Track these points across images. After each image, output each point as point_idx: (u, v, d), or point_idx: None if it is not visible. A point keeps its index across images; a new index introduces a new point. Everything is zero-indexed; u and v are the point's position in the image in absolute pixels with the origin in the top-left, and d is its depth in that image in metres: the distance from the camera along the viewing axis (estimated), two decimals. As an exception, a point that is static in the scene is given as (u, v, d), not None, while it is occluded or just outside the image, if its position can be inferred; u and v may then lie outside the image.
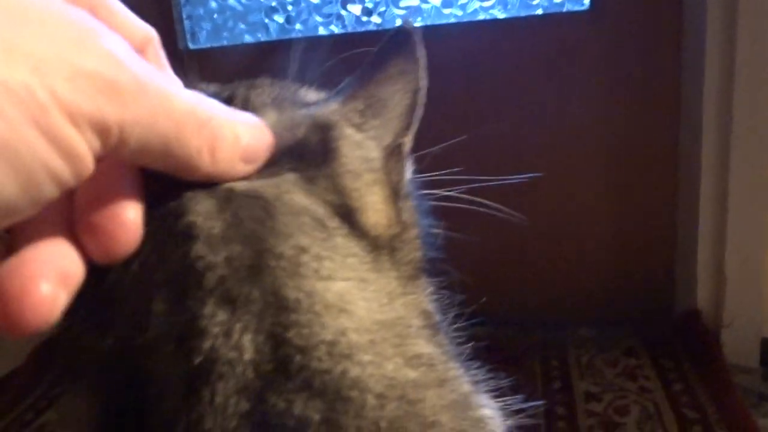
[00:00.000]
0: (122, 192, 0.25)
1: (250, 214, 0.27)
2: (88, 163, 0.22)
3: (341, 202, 0.30)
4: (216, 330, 0.26)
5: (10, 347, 1.60)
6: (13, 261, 0.23)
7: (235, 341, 0.26)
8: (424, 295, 0.33)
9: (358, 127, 0.33)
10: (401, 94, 0.34)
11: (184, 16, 1.71)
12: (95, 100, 0.21)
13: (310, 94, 0.36)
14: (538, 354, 1.50)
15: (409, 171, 0.36)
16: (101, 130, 0.21)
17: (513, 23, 1.53)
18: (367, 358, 0.27)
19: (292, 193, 0.29)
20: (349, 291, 0.28)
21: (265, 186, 0.29)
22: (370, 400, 0.26)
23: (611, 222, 1.58)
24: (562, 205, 1.58)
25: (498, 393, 0.33)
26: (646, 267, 1.59)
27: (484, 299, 0.44)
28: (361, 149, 0.32)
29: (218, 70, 1.71)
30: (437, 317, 0.34)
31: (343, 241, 0.29)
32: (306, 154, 0.30)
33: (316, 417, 0.25)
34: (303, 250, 0.28)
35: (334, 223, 0.29)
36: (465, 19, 1.56)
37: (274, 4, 1.67)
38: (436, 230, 0.38)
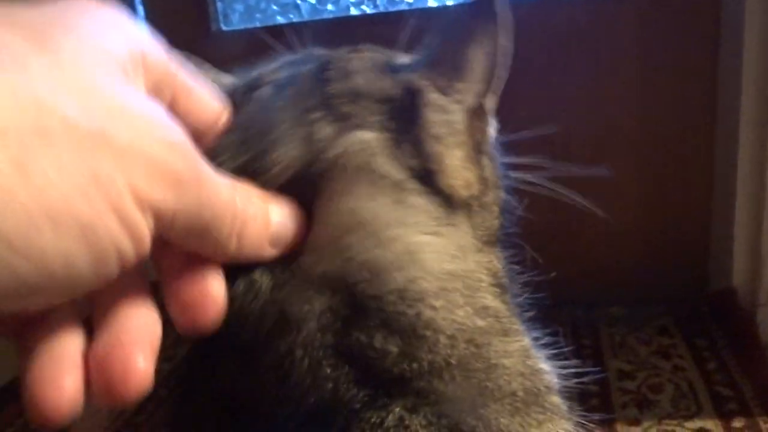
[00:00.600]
0: (205, 266, 0.27)
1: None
2: (148, 244, 0.24)
3: (422, 166, 0.32)
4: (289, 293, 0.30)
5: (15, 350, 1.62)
6: (108, 336, 0.25)
7: (306, 297, 0.30)
8: (496, 259, 0.35)
9: (443, 91, 0.34)
10: (484, 55, 0.35)
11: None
12: (161, 189, 0.24)
13: (404, 58, 0.38)
14: (569, 333, 1.51)
15: (493, 130, 0.38)
16: (159, 216, 0.24)
17: (548, 4, 1.52)
18: (438, 303, 0.30)
19: (377, 156, 0.31)
20: (418, 244, 0.31)
21: (353, 143, 0.31)
22: (443, 339, 0.30)
23: (645, 199, 1.57)
24: (594, 182, 1.57)
25: (555, 356, 0.36)
26: (680, 244, 1.58)
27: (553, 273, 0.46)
28: (445, 113, 0.34)
29: (251, 51, 1.72)
30: (506, 281, 0.36)
31: (417, 201, 0.31)
32: (396, 116, 0.32)
33: (395, 350, 0.29)
34: (376, 212, 0.31)
35: (412, 185, 0.32)
36: (497, -2, 1.54)
37: (305, -16, 1.67)
38: (514, 205, 0.40)
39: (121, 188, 0.22)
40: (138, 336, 0.25)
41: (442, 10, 1.58)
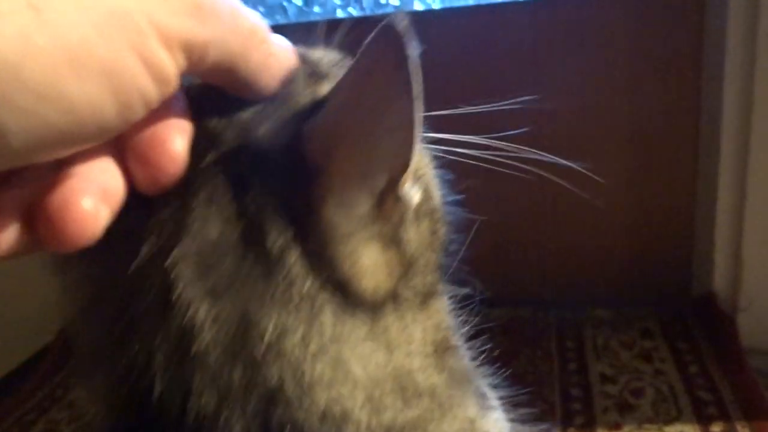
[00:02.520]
0: (171, 122, 0.26)
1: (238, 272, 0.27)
2: (174, 83, 0.23)
3: (332, 274, 0.28)
4: (206, 405, 0.27)
5: (9, 347, 1.60)
6: (57, 176, 0.23)
7: (223, 419, 0.27)
8: (438, 311, 0.33)
9: (341, 183, 0.28)
10: (393, 122, 0.26)
11: (203, -1, 1.71)
12: (186, 21, 0.22)
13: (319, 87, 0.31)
14: (554, 334, 1.52)
15: (427, 178, 0.34)
16: (189, 50, 0.23)
17: (534, 5, 1.52)
18: (363, 415, 0.28)
19: (286, 260, 0.27)
20: (340, 359, 0.28)
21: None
22: None
23: (629, 202, 1.58)
24: (579, 186, 1.58)
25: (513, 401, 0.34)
26: (663, 248, 1.59)
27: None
28: (346, 208, 0.28)
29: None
30: (451, 332, 0.33)
31: (333, 316, 0.28)
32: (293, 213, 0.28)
33: None
34: (287, 330, 0.27)
35: (324, 296, 0.28)
36: (484, 1, 1.55)
37: (292, -14, 1.67)
38: (453, 216, 0.36)
39: (142, 25, 0.21)
40: (92, 181, 0.24)
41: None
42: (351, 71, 0.27)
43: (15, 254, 0.23)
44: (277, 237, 0.27)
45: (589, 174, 1.50)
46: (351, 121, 0.27)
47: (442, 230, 0.34)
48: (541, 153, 0.41)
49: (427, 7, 1.59)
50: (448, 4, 1.57)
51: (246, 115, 0.28)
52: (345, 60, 0.36)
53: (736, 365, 1.30)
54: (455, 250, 0.37)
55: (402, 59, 0.24)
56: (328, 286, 0.28)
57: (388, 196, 0.29)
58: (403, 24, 0.25)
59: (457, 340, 0.35)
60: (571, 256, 1.64)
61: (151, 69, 0.22)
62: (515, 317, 1.56)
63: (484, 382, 0.36)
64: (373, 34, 0.26)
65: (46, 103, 0.20)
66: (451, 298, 0.37)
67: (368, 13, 1.63)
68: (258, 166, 0.28)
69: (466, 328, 0.38)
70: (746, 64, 1.30)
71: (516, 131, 0.41)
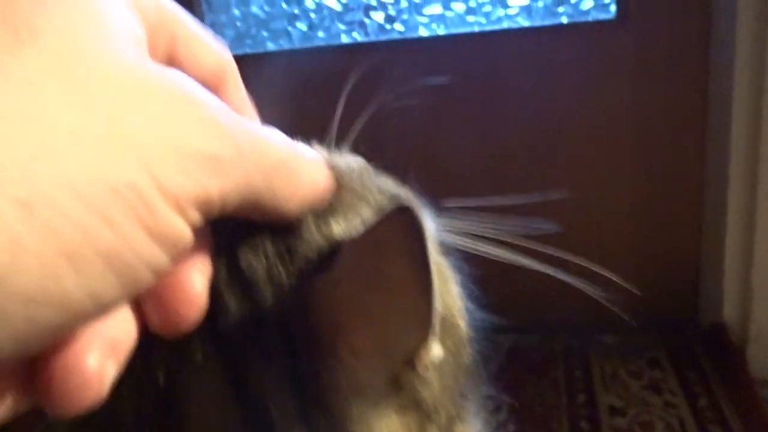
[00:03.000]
0: (189, 260, 0.24)
1: None
2: (188, 243, 0.21)
3: None
4: None
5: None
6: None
7: None
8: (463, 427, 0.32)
9: (351, 360, 0.26)
10: (408, 303, 0.25)
11: (207, 24, 1.71)
12: (201, 178, 0.20)
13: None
14: (561, 363, 1.49)
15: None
16: (205, 205, 0.20)
17: (537, 32, 1.52)
18: None
19: None
20: None
21: None
22: None
23: (637, 230, 1.57)
24: (587, 213, 1.56)
25: None
26: (670, 276, 1.57)
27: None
28: (357, 387, 0.27)
29: (241, 77, 1.71)
30: None
31: None
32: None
33: None
34: None
35: None
36: (489, 28, 1.55)
37: (296, 11, 1.67)
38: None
39: (149, 195, 0.19)
40: (99, 334, 0.21)
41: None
42: (362, 245, 0.25)
43: (10, 416, 0.20)
44: (282, 419, 0.26)
45: (595, 201, 1.50)
46: (362, 298, 0.25)
47: (468, 356, 0.32)
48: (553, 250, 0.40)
49: (432, 33, 1.59)
50: (453, 31, 1.57)
51: (256, 262, 0.27)
52: (366, 173, 0.34)
53: (747, 397, 1.28)
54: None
55: (420, 242, 0.23)
56: None
57: (405, 370, 0.27)
58: (418, 207, 0.24)
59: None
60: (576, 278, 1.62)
61: (161, 239, 0.19)
62: (521, 344, 1.54)
63: None
64: (387, 212, 0.24)
65: (38, 305, 0.17)
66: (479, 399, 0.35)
67: (372, 38, 1.63)
68: (261, 334, 0.26)
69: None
70: (754, 90, 1.29)
71: (543, 228, 0.40)
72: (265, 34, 1.70)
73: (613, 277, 0.44)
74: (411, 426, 0.28)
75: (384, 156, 0.40)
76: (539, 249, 0.39)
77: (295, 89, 1.67)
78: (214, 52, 0.26)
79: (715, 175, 1.44)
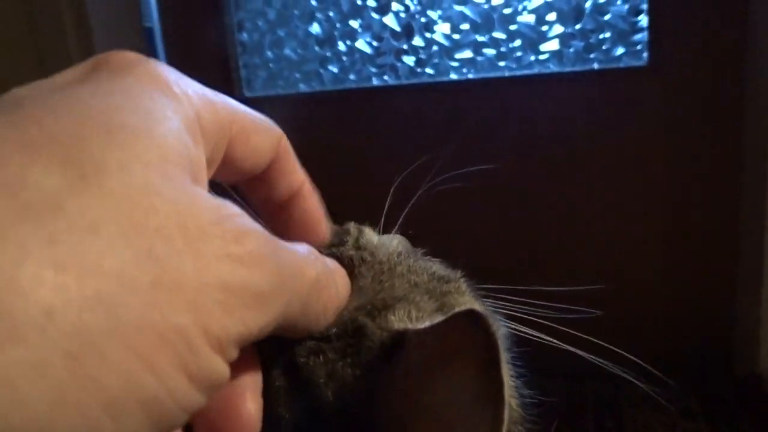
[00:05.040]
0: (240, 381, 0.24)
1: None
2: (225, 380, 0.21)
3: None
4: None
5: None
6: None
7: None
8: None
9: None
10: (477, 411, 0.24)
11: (241, 65, 1.75)
12: (243, 317, 0.20)
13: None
14: (591, 410, 1.46)
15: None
16: (244, 342, 0.21)
17: (568, 77, 1.53)
18: None
19: None
20: None
21: None
22: None
23: (671, 278, 1.55)
24: (618, 258, 1.55)
25: None
26: (705, 325, 1.54)
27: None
28: None
29: (274, 118, 1.74)
30: None
31: None
32: None
33: None
34: None
35: None
36: (519, 73, 1.56)
37: (328, 54, 1.69)
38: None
39: (194, 339, 0.19)
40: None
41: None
42: (429, 342, 0.25)
43: None
44: None
45: (628, 246, 1.48)
46: (427, 398, 0.25)
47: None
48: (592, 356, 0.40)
49: (462, 77, 1.60)
50: (482, 75, 1.58)
51: (315, 363, 0.28)
52: (413, 256, 0.35)
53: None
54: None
55: (493, 353, 0.23)
56: None
57: None
58: (488, 316, 0.24)
59: None
60: (608, 328, 1.59)
61: (200, 382, 0.19)
62: (551, 389, 1.51)
63: None
64: (455, 313, 0.25)
65: None
66: None
67: (403, 81, 1.65)
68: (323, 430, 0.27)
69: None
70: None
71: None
72: (297, 75, 1.73)
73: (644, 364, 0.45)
74: None
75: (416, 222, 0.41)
76: (577, 333, 0.40)
77: (328, 130, 1.69)
78: (269, 137, 0.27)
79: (751, 224, 1.43)
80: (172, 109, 0.21)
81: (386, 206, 0.41)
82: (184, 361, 0.18)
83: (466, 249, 0.38)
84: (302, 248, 0.25)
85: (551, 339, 0.37)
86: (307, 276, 0.24)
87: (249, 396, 0.24)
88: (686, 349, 1.55)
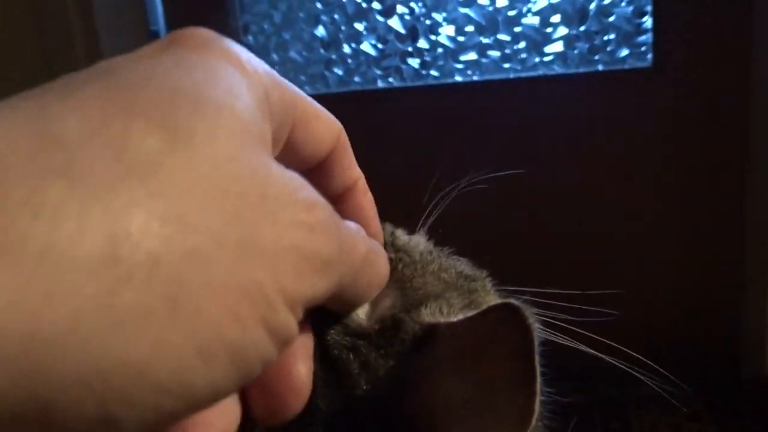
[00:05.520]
0: (294, 347, 0.25)
1: None
2: (295, 337, 0.22)
3: None
4: None
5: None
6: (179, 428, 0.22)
7: None
8: None
9: None
10: (510, 400, 0.26)
11: (246, 68, 1.75)
12: (312, 281, 0.22)
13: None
14: (598, 412, 1.45)
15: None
16: (310, 304, 0.22)
17: (573, 79, 1.53)
18: None
19: None
20: None
21: None
22: None
23: (678, 281, 1.54)
24: (625, 260, 1.54)
25: None
26: (712, 328, 1.54)
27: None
28: None
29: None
30: None
31: None
32: None
33: None
34: None
35: None
36: (524, 75, 1.56)
37: (334, 57, 1.70)
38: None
39: (272, 295, 0.20)
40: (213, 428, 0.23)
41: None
42: (463, 334, 0.27)
43: None
44: None
45: (634, 249, 1.48)
46: (460, 387, 0.26)
47: (540, 430, 0.34)
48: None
49: (467, 79, 1.61)
50: (488, 77, 1.59)
51: (346, 357, 0.29)
52: (441, 257, 0.37)
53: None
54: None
55: (528, 342, 0.24)
56: None
57: None
58: (526, 311, 0.25)
59: None
60: (615, 329, 1.59)
61: (276, 337, 0.21)
62: (557, 390, 1.50)
63: None
64: (492, 305, 0.26)
65: (167, 395, 0.18)
66: None
67: (408, 83, 1.65)
68: (355, 419, 0.28)
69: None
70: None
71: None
72: (302, 78, 1.73)
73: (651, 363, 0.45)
74: None
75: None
76: (594, 335, 0.41)
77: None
78: (329, 126, 0.29)
79: (757, 226, 1.42)
80: (246, 86, 0.23)
81: (424, 210, 0.42)
82: (264, 316, 0.20)
83: (475, 252, 0.39)
84: (354, 225, 0.27)
85: (567, 338, 0.39)
86: (359, 250, 0.25)
87: (300, 359, 0.25)
88: (693, 351, 1.54)
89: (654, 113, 1.48)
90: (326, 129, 0.28)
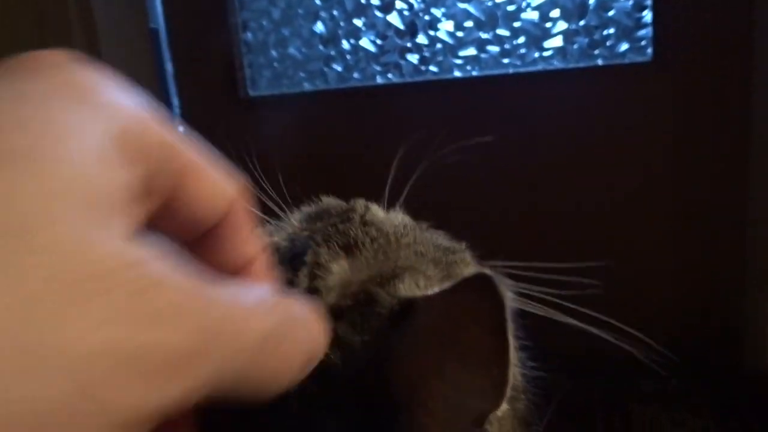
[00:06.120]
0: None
1: None
2: None
3: None
4: None
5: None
6: None
7: None
8: None
9: (425, 422, 0.27)
10: (485, 370, 0.26)
11: (246, 64, 1.75)
12: (153, 386, 0.17)
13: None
14: (599, 407, 1.45)
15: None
16: (165, 412, 0.17)
17: (573, 74, 1.52)
18: None
19: None
20: None
21: None
22: None
23: (678, 274, 1.54)
24: (625, 254, 1.54)
25: None
26: (713, 323, 1.53)
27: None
28: None
29: (278, 117, 1.74)
30: None
31: None
32: None
33: None
34: None
35: None
36: (524, 70, 1.56)
37: (333, 53, 1.70)
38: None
39: (83, 418, 0.15)
40: None
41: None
42: (438, 306, 0.26)
43: None
44: None
45: (633, 243, 1.47)
46: (437, 359, 0.26)
47: (522, 404, 0.34)
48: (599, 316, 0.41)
49: (466, 75, 1.60)
50: (487, 72, 1.58)
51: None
52: (418, 229, 0.36)
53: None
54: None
55: (500, 312, 0.24)
56: None
57: (475, 428, 0.28)
58: (499, 281, 0.25)
59: None
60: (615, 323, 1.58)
61: None
62: (557, 385, 1.50)
63: None
64: (466, 276, 0.25)
65: None
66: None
67: (407, 79, 1.65)
68: (333, 393, 0.27)
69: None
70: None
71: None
72: (301, 74, 1.73)
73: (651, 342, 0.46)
74: None
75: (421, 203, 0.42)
76: (578, 308, 0.41)
77: (332, 128, 1.69)
78: (220, 190, 0.24)
79: (759, 220, 1.42)
80: (90, 124, 0.18)
81: (389, 182, 0.42)
82: None
83: (472, 233, 0.39)
84: (253, 295, 0.21)
85: (556, 312, 0.40)
86: (252, 330, 0.20)
87: None
88: (695, 346, 1.54)
89: (654, 107, 1.48)
90: (215, 192, 0.23)
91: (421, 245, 0.34)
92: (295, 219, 0.37)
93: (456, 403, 0.26)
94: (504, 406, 0.27)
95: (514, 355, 0.25)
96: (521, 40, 1.54)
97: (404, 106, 1.66)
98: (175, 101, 1.75)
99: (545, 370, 0.37)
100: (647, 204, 1.52)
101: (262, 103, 1.72)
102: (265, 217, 0.37)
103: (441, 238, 0.37)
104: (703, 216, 1.49)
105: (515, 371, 0.33)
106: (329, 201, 0.40)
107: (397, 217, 0.38)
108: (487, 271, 0.25)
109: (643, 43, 1.48)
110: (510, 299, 0.24)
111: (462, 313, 0.25)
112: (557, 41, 1.52)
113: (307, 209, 0.39)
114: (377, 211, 0.38)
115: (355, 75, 1.69)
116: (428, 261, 0.33)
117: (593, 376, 1.54)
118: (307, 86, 1.73)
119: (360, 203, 0.38)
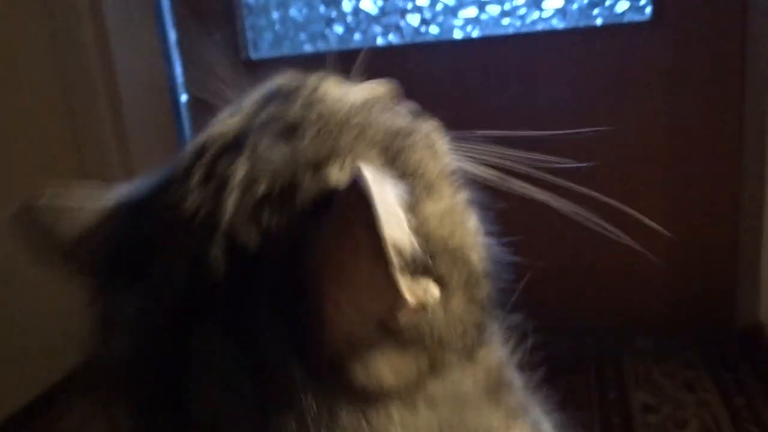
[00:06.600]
0: None
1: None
2: None
3: (352, 386, 0.29)
4: None
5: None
6: None
7: None
8: (485, 360, 0.32)
9: (336, 311, 0.27)
10: (370, 271, 0.26)
11: (247, 26, 1.76)
12: None
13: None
14: (592, 363, 1.49)
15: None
16: None
17: (572, 34, 1.53)
18: None
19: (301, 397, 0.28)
20: None
21: None
22: None
23: (671, 229, 1.56)
24: (621, 215, 1.56)
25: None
26: (706, 276, 1.56)
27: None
28: (347, 332, 0.28)
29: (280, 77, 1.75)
30: (503, 370, 0.33)
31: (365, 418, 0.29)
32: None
33: None
34: None
35: (350, 409, 0.29)
36: (524, 30, 1.56)
37: (334, 15, 1.70)
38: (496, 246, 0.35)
39: None
40: None
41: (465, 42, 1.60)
42: (341, 207, 0.27)
43: None
44: (289, 372, 0.28)
45: (628, 200, 1.47)
46: (339, 258, 0.26)
47: (483, 289, 0.33)
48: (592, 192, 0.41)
49: (467, 36, 1.61)
50: (487, 33, 1.59)
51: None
52: (377, 107, 0.34)
53: (784, 398, 1.27)
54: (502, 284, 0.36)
55: (369, 212, 0.24)
56: (352, 399, 0.28)
57: (389, 323, 0.28)
58: (367, 185, 0.25)
59: (511, 373, 0.35)
60: (609, 283, 1.62)
61: None
62: (552, 344, 1.54)
63: (538, 411, 0.37)
64: (351, 178, 0.26)
65: None
66: (504, 328, 0.37)
67: (408, 41, 1.65)
68: (254, 285, 0.28)
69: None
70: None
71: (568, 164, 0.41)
72: (302, 36, 1.74)
73: (646, 220, 0.45)
74: (418, 358, 0.29)
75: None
76: (566, 185, 0.40)
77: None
78: None
79: (752, 175, 1.44)
80: None
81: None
82: None
83: None
84: None
85: (542, 193, 0.40)
86: None
87: None
88: (687, 299, 1.57)
89: (653, 66, 1.49)
90: None
91: (373, 128, 0.32)
92: (246, 102, 0.35)
93: (359, 303, 0.27)
94: (437, 292, 0.29)
95: (394, 258, 0.24)
96: (521, 0, 1.55)
97: (405, 67, 1.67)
98: (178, 66, 1.76)
99: (516, 254, 0.37)
100: (643, 163, 1.54)
101: (264, 65, 1.73)
102: None
103: (401, 118, 0.34)
104: (697, 173, 1.51)
105: (472, 256, 0.32)
106: (283, 78, 0.38)
107: (358, 94, 0.35)
108: (361, 173, 0.25)
109: (642, 2, 1.49)
110: (389, 196, 0.25)
111: (350, 215, 0.25)
112: (557, 1, 1.53)
113: (260, 90, 0.37)
114: (332, 87, 0.36)
115: (356, 37, 1.70)
116: (372, 145, 0.31)
117: (587, 335, 1.58)
118: (308, 48, 1.74)
119: (313, 79, 0.36)
